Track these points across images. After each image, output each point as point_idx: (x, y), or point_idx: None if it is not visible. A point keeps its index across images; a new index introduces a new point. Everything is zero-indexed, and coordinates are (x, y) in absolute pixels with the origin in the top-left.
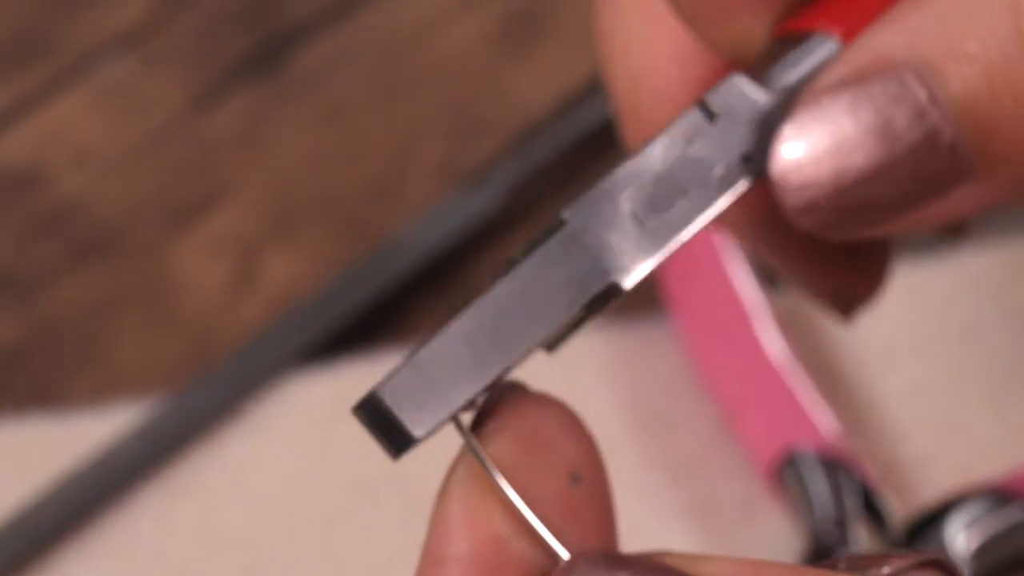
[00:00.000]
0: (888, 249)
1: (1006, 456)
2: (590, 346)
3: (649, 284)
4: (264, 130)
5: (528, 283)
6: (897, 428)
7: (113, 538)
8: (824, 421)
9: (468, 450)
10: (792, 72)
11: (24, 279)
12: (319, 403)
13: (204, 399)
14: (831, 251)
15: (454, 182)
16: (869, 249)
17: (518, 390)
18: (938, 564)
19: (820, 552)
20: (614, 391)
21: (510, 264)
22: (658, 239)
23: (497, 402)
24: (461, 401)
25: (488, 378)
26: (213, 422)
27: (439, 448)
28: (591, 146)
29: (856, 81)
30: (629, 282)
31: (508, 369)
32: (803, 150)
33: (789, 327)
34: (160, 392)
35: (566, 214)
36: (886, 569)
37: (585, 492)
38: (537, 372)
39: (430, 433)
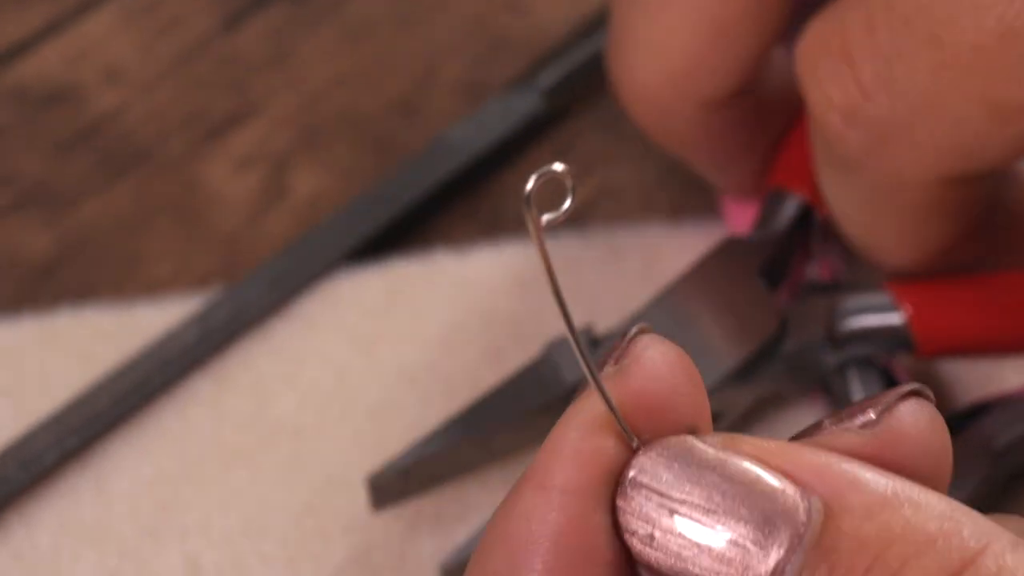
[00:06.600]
0: None
1: None
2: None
3: None
4: (292, 48)
5: None
6: None
7: (167, 426)
8: None
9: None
10: None
11: (58, 192)
12: (368, 297)
13: (256, 292)
14: None
15: (475, 100)
16: None
17: (644, 334)
18: (918, 394)
19: None
20: None
21: None
22: None
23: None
24: None
25: None
26: (265, 314)
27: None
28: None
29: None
30: None
31: None
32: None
33: None
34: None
35: None
36: (871, 413)
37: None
38: (631, 288)
39: None
